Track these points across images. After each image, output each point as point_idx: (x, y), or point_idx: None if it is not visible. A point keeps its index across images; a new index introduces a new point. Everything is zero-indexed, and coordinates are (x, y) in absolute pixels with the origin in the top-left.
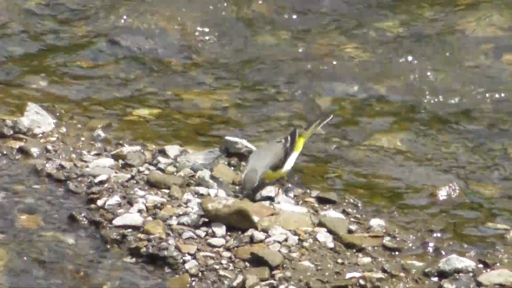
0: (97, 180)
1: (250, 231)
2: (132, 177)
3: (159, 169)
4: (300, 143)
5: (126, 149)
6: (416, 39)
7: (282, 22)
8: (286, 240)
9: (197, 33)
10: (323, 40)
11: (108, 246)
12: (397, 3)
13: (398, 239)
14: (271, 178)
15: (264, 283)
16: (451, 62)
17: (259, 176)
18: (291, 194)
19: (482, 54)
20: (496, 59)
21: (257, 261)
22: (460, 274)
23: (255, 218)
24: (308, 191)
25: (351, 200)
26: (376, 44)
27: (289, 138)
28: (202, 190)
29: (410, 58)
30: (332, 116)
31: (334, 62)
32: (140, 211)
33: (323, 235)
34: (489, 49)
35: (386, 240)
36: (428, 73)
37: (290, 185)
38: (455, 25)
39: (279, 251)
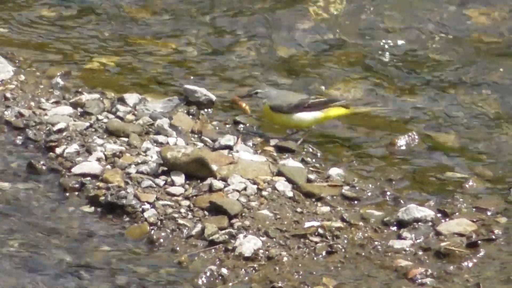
0: (55, 128)
1: (209, 180)
2: (91, 125)
3: (118, 117)
4: (334, 111)
5: (85, 97)
6: None
7: None
8: (245, 189)
9: None
10: None
11: (67, 195)
12: None
13: (357, 188)
14: (274, 120)
15: (223, 231)
16: (414, 12)
17: (263, 92)
18: (250, 143)
19: (446, 5)
20: (459, 10)
21: (216, 209)
22: (419, 223)
23: (214, 167)
24: (267, 139)
25: (310, 149)
26: None
27: (322, 99)
28: (161, 138)
29: (371, 6)
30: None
31: (295, 11)
32: (98, 159)
33: (282, 184)
34: (455, 2)
35: (345, 189)
36: (390, 23)
37: (249, 133)
38: None
39: (238, 200)
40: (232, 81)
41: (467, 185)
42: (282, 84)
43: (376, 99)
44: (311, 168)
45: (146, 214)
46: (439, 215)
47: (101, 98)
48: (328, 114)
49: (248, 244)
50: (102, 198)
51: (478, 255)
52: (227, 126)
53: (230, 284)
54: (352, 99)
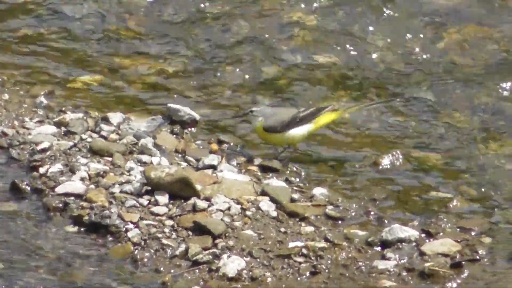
0: (39, 147)
1: (193, 200)
2: (75, 145)
3: (102, 136)
4: (324, 119)
5: (69, 116)
6: (362, 7)
7: None
8: (229, 208)
9: (140, 2)
10: (268, 8)
11: (51, 214)
12: None
13: (341, 208)
14: (268, 140)
15: (206, 251)
16: (396, 31)
17: (258, 110)
18: (234, 162)
19: (426, 25)
20: (438, 31)
21: (200, 229)
22: (403, 243)
23: (198, 187)
24: (251, 159)
25: (294, 169)
26: (321, 12)
27: (310, 110)
28: (145, 158)
29: (355, 26)
30: (378, 103)
31: (280, 31)
32: (82, 179)
33: (266, 204)
34: (433, 21)
35: (329, 209)
36: (373, 42)
37: (232, 152)
38: None
39: (221, 219)
40: (216, 100)
41: (451, 205)
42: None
43: (358, 117)
44: (295, 188)
45: (129, 234)
46: (423, 235)
47: (85, 117)
48: (319, 123)
49: (232, 264)
50: (86, 217)
51: (462, 276)
52: (211, 145)
53: None
54: (339, 103)
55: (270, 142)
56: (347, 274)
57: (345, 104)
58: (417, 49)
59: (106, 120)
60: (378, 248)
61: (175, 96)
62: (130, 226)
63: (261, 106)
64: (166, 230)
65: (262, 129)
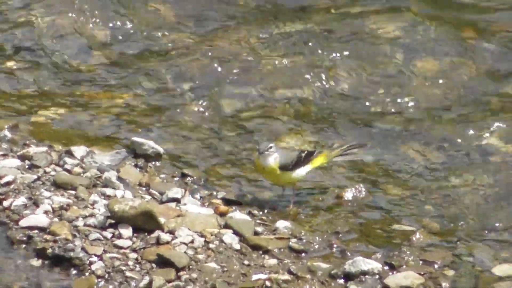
0: (3, 181)
1: (157, 233)
2: (39, 178)
3: (66, 170)
4: (318, 160)
5: (33, 149)
6: (325, 41)
7: (186, 25)
8: (192, 241)
9: (102, 35)
10: (230, 43)
11: (14, 247)
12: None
13: (304, 241)
14: (275, 178)
15: (170, 284)
16: (361, 64)
17: (271, 150)
18: (198, 196)
19: (393, 58)
20: (406, 63)
21: (163, 262)
22: (366, 276)
23: (162, 220)
24: (215, 192)
25: (257, 202)
26: (284, 46)
27: (307, 151)
28: (108, 191)
29: (317, 59)
30: (362, 147)
31: (241, 65)
32: (46, 212)
33: (229, 237)
34: (401, 54)
35: (292, 242)
36: (337, 75)
37: (196, 186)
38: (365, 28)
39: (185, 252)
40: (179, 134)
41: (414, 238)
42: (229, 136)
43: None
44: (258, 221)
45: (93, 267)
46: (386, 267)
47: (49, 151)
48: (314, 164)
49: None
50: (50, 250)
51: None
52: (175, 179)
53: None
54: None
55: (279, 180)
56: None
57: (328, 148)
58: (382, 80)
59: (69, 153)
60: (341, 281)
61: (139, 130)
62: (94, 259)
63: (274, 144)
64: (130, 263)
65: (277, 167)
